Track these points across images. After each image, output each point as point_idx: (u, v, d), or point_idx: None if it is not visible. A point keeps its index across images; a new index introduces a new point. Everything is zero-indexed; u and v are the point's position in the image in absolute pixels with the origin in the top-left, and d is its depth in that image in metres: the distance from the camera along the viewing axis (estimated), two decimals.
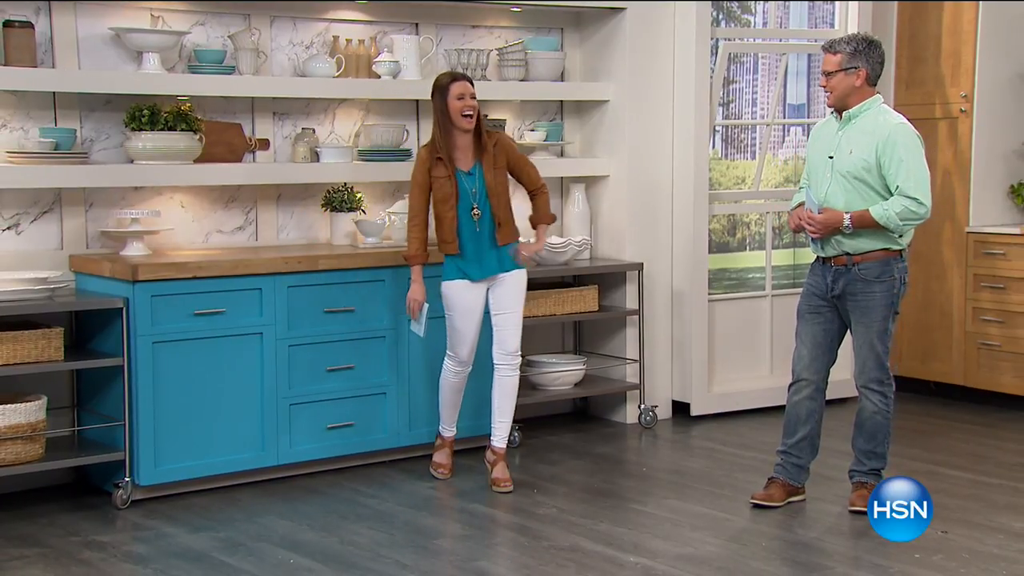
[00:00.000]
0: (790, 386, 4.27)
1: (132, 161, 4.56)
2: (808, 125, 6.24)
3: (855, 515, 4.15)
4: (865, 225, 4.00)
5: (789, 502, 4.25)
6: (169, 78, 4.59)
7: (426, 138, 5.30)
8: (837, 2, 5.95)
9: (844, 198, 4.05)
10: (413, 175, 4.41)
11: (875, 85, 4.11)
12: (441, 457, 4.62)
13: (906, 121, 4.08)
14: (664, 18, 5.49)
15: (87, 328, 4.48)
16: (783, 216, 6.01)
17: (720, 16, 6.01)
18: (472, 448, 4.78)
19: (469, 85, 4.33)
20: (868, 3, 5.87)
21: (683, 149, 5.52)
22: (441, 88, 4.33)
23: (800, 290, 4.37)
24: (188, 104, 4.64)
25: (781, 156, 6.41)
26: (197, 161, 4.63)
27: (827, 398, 4.30)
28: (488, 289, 4.44)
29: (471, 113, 4.31)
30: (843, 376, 5.56)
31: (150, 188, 4.71)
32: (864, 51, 4.05)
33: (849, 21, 5.88)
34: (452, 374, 4.53)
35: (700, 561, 3.74)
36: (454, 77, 4.35)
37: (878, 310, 4.07)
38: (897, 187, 3.99)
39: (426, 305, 4.45)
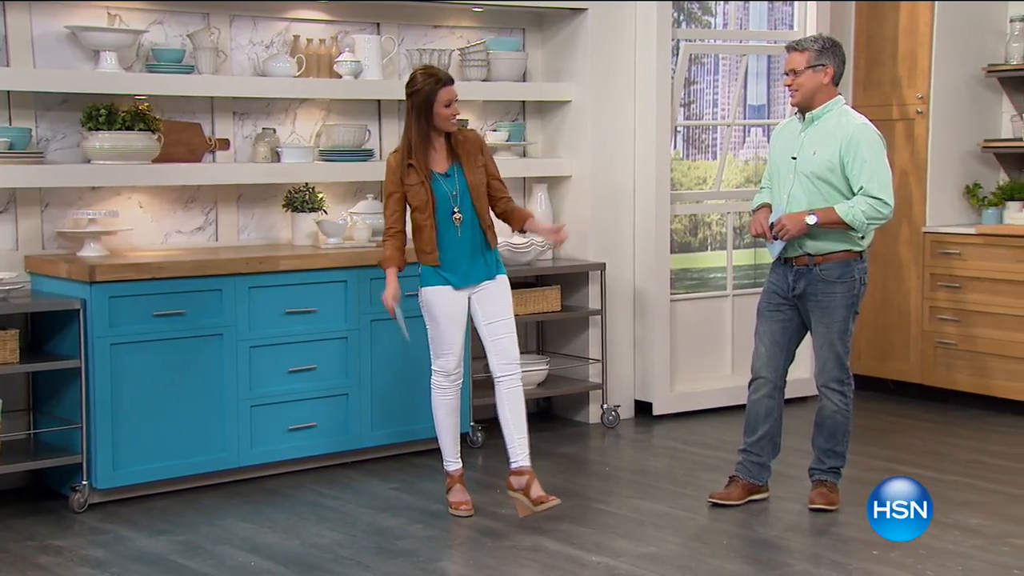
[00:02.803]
0: (749, 384, 4.30)
1: (89, 161, 4.51)
2: (768, 126, 6.30)
3: (815, 513, 4.18)
4: (830, 221, 4.03)
5: (750, 500, 4.28)
6: (127, 77, 4.54)
7: (388, 137, 5.31)
8: (796, 3, 6.00)
9: (807, 199, 4.08)
10: (385, 187, 4.09)
11: (838, 85, 4.15)
12: (457, 495, 4.18)
13: (868, 122, 4.12)
14: (625, 19, 5.51)
15: (43, 330, 4.42)
16: (744, 216, 6.05)
17: (681, 17, 6.04)
18: (429, 449, 4.76)
19: (454, 88, 4.00)
20: (826, 3, 5.93)
21: (645, 149, 5.55)
22: (426, 92, 3.95)
23: (761, 289, 4.39)
24: (146, 103, 4.59)
25: (742, 157, 6.46)
26: (156, 161, 4.59)
27: (788, 397, 4.33)
28: (471, 297, 4.11)
29: (460, 119, 4.06)
30: (803, 375, 5.62)
31: (108, 188, 4.66)
32: (830, 49, 4.10)
33: (808, 22, 5.93)
34: (441, 392, 4.15)
35: (662, 560, 3.76)
36: (440, 80, 3.96)
37: (839, 310, 4.10)
38: (861, 187, 4.01)
39: (397, 309, 4.13)
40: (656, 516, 4.19)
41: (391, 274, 4.11)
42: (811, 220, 4.03)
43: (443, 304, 4.09)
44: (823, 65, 4.07)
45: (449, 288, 4.08)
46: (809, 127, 4.12)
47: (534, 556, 3.79)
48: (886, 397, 6.05)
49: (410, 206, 4.07)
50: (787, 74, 4.12)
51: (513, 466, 4.11)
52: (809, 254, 4.10)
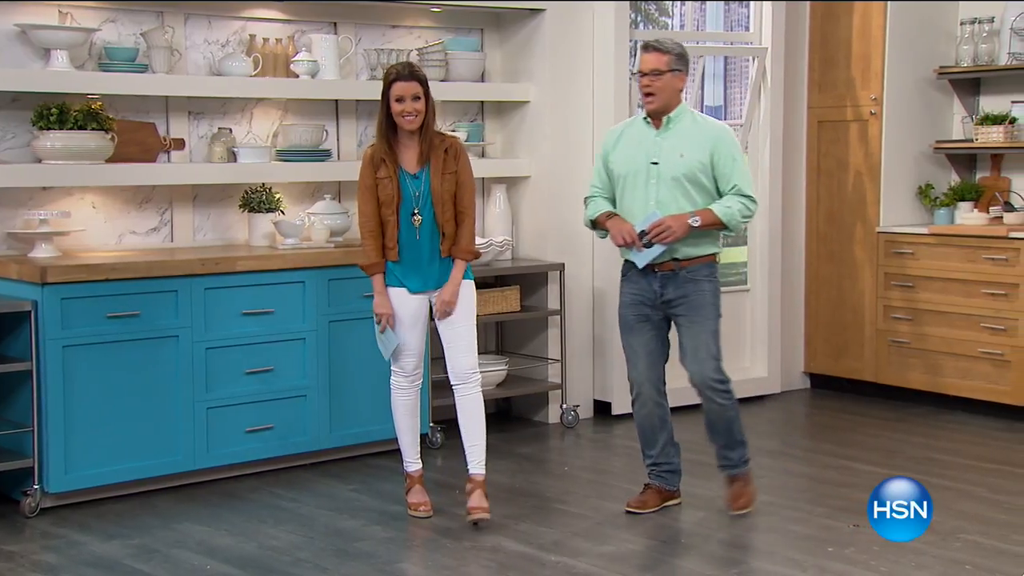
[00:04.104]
0: (634, 400, 4.20)
1: (40, 161, 4.44)
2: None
3: (770, 511, 4.20)
4: (708, 222, 4.02)
5: (664, 507, 4.23)
6: (78, 76, 4.48)
7: (345, 137, 5.29)
8: (752, 4, 6.05)
9: (676, 203, 4.04)
10: (359, 178, 4.04)
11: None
12: (416, 496, 4.20)
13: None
14: (583, 20, 5.53)
15: None
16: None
17: (638, 18, 6.08)
18: (388, 451, 4.75)
19: (414, 84, 3.92)
20: (781, 4, 5.98)
21: None
22: (384, 87, 3.96)
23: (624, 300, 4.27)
24: (99, 103, 4.53)
25: None
26: (109, 161, 4.53)
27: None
28: (431, 299, 4.10)
29: (412, 116, 3.95)
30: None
31: (59, 188, 4.59)
32: (684, 55, 4.08)
33: (763, 24, 5.98)
34: (400, 392, 4.15)
35: (621, 559, 3.78)
36: (398, 74, 3.93)
37: (709, 308, 4.09)
38: (734, 186, 4.03)
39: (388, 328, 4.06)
40: (615, 516, 4.20)
41: (378, 282, 4.07)
42: (695, 222, 3.99)
43: (399, 306, 4.08)
44: (680, 70, 4.05)
45: (405, 291, 4.07)
46: (666, 131, 4.07)
47: (493, 556, 3.79)
48: (841, 395, 6.12)
49: (378, 199, 4.03)
50: (646, 74, 4.02)
51: (468, 472, 4.15)
52: (676, 259, 4.07)
